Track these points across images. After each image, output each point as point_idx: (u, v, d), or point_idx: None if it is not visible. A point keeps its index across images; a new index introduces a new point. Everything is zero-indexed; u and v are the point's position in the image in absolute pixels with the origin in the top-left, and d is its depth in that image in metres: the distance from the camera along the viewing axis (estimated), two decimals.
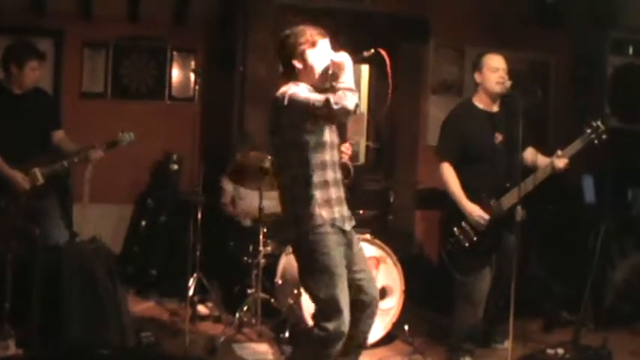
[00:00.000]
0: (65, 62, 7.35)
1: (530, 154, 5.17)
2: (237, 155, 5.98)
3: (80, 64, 7.40)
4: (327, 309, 3.92)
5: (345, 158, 4.17)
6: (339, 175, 4.06)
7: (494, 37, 7.19)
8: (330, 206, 3.94)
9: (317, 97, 3.81)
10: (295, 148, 3.93)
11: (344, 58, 3.93)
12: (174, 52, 7.72)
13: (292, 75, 4.01)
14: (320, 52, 4.01)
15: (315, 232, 3.90)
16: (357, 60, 4.03)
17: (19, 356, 4.37)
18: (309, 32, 4.02)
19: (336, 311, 3.88)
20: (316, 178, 3.91)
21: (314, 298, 4.01)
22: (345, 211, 4.05)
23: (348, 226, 4.04)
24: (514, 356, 4.74)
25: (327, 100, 3.73)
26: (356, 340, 4.18)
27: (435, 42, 7.72)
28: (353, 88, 3.80)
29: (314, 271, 3.94)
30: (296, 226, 3.98)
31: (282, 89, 3.94)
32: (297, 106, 3.84)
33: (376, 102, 7.87)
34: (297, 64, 3.99)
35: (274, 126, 4.00)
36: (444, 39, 7.72)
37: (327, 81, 3.96)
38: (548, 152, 5.13)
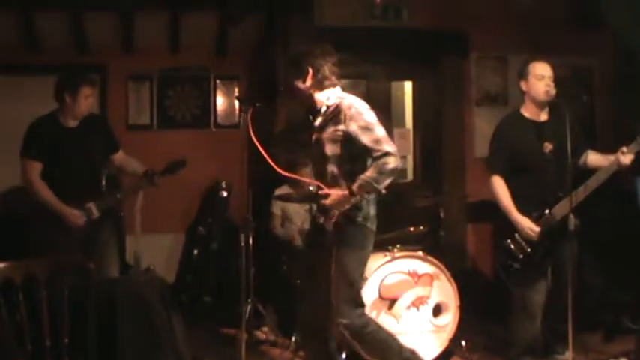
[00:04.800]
0: (110, 96, 7.46)
1: (592, 157, 5.10)
2: None
3: (125, 97, 7.50)
4: None
5: None
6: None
7: (536, 43, 7.14)
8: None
9: None
10: None
11: None
12: (217, 80, 7.78)
13: None
14: None
15: None
16: None
17: None
18: None
19: None
20: None
21: None
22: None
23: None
24: None
25: None
26: None
27: (476, 53, 7.67)
28: None
29: None
30: None
31: None
32: None
33: (421, 118, 7.86)
34: None
35: None
36: (485, 50, 7.68)
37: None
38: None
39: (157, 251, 7.35)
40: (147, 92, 7.62)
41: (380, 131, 4.19)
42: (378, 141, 4.17)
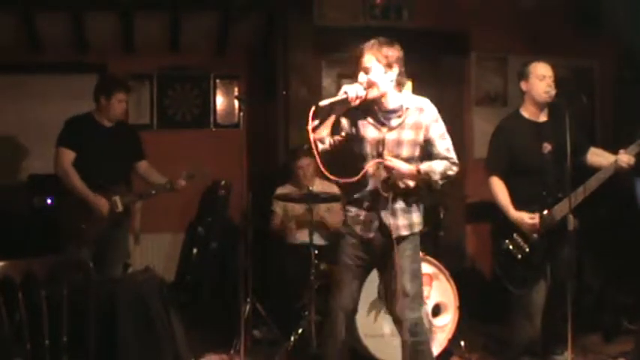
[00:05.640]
0: None
1: (593, 156, 5.09)
2: None
3: None
4: None
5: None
6: (373, 186, 4.14)
7: (537, 44, 7.14)
8: (348, 205, 4.27)
9: None
10: None
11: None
12: (217, 80, 7.79)
13: None
14: None
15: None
16: None
17: None
18: None
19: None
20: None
21: None
22: (363, 216, 4.18)
23: (359, 231, 4.20)
24: None
25: None
26: None
27: (477, 53, 7.67)
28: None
29: None
30: None
31: None
32: None
33: None
34: None
35: None
36: (485, 50, 7.68)
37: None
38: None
39: (156, 250, 7.36)
40: (147, 92, 7.63)
41: (449, 139, 4.21)
42: (449, 149, 4.19)
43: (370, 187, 4.13)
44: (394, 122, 4.10)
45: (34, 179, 6.76)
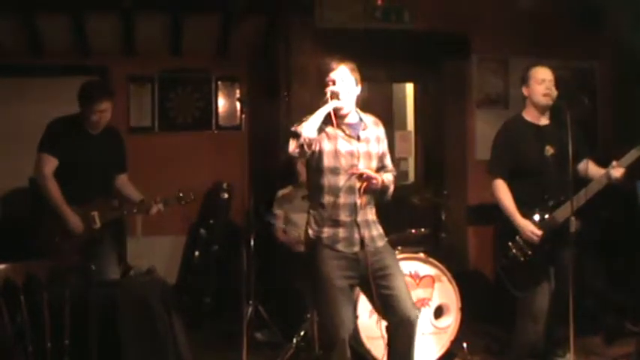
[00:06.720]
0: None
1: (589, 166, 5.09)
2: None
3: (126, 100, 7.49)
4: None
5: None
6: (347, 200, 4.13)
7: (537, 45, 7.14)
8: (320, 226, 4.16)
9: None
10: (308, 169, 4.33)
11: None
12: (219, 82, 7.78)
13: None
14: None
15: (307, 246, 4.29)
16: None
17: None
18: None
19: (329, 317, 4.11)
20: (313, 199, 4.28)
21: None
22: (341, 233, 4.14)
23: (342, 248, 4.14)
24: None
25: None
26: None
27: (477, 56, 7.67)
28: (294, 131, 4.04)
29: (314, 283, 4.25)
30: None
31: None
32: None
33: (422, 120, 7.86)
34: None
35: None
36: (486, 52, 7.67)
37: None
38: (599, 157, 5.08)
39: (158, 253, 7.35)
40: (148, 94, 7.61)
41: None
42: (391, 162, 4.43)
43: (344, 201, 4.15)
44: (362, 135, 4.22)
45: (35, 182, 6.74)
